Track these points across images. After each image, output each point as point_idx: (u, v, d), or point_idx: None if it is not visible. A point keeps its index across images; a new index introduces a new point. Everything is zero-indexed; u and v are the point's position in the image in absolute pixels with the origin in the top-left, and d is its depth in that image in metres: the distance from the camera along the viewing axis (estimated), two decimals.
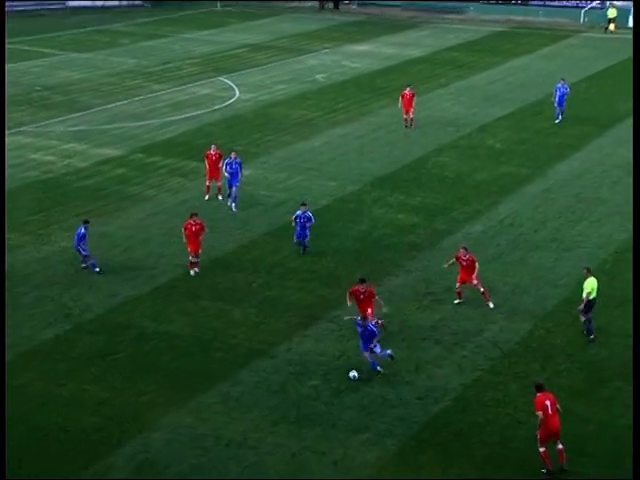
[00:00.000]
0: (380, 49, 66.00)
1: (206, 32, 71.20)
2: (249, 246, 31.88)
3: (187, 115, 47.69)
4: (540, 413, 19.95)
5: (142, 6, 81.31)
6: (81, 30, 70.31)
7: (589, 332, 25.64)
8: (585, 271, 25.95)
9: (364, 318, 24.01)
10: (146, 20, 75.38)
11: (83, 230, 29.39)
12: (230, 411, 22.39)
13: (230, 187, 35.20)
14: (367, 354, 23.84)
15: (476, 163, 40.84)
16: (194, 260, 29.55)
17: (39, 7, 76.86)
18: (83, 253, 29.44)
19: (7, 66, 57.37)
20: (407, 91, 45.64)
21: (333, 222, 34.09)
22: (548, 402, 20.08)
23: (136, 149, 42.06)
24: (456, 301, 27.78)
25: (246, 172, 36.94)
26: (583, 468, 20.38)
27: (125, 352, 24.98)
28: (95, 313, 26.98)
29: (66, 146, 42.25)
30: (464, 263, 27.50)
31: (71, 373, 23.74)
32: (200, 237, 29.50)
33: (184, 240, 29.61)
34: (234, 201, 35.06)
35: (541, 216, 34.75)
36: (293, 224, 30.92)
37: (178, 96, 51.62)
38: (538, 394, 20.21)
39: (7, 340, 25.20)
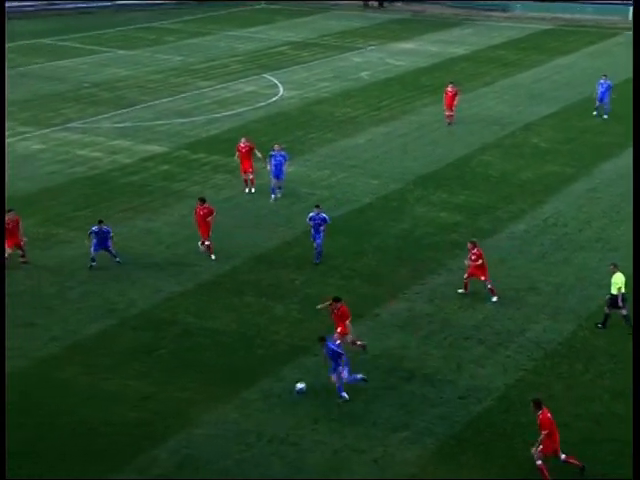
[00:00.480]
0: (424, 47, 65.78)
1: (251, 29, 71.42)
2: (292, 243, 31.95)
3: (232, 112, 47.89)
4: (546, 432, 19.69)
5: (188, 3, 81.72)
6: (128, 27, 70.85)
7: (604, 323, 26.07)
8: (611, 267, 26.35)
9: (340, 336, 23.89)
10: (192, 17, 75.77)
11: (104, 229, 29.41)
12: (272, 408, 22.47)
13: (276, 178, 35.73)
14: (333, 376, 22.69)
15: (520, 162, 40.57)
16: (207, 243, 30.33)
17: (89, 5, 77.56)
18: (113, 252, 29.73)
19: (58, 62, 58.09)
20: (449, 88, 45.56)
21: (375, 220, 34.06)
22: (550, 415, 19.89)
23: (181, 146, 42.32)
24: (460, 290, 27.98)
25: (289, 169, 37.05)
26: (624, 469, 20.18)
27: (169, 348, 25.15)
28: (139, 308, 27.21)
29: (112, 142, 42.63)
30: (472, 257, 27.56)
31: (115, 368, 23.97)
32: (208, 219, 30.38)
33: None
34: (274, 192, 35.61)
35: (586, 216, 34.46)
36: (309, 225, 30.29)
37: (223, 93, 51.85)
38: (541, 411, 19.91)
39: (53, 334, 25.53)
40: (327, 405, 22.57)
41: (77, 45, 63.81)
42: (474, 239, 28.56)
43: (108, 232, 29.63)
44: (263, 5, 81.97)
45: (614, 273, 26.07)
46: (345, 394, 22.71)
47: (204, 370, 24.00)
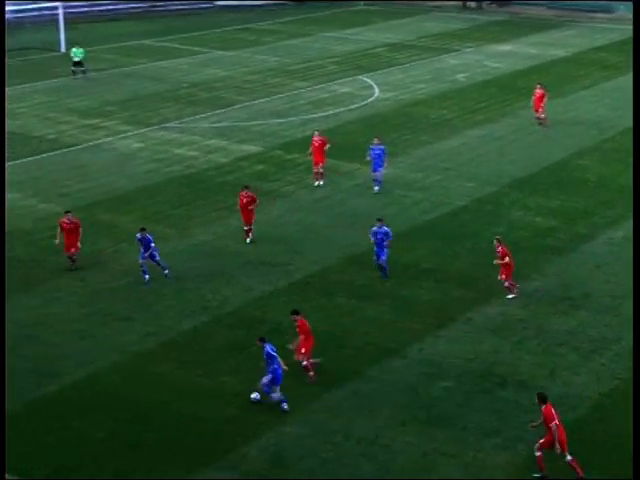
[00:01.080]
0: (523, 49, 64.94)
1: (348, 31, 71.54)
2: None
3: (327, 113, 48.06)
4: (554, 424, 19.67)
5: (286, 4, 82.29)
6: (228, 28, 71.68)
7: None
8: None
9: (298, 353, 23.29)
10: (290, 19, 76.26)
11: (146, 237, 28.76)
12: (361, 408, 22.47)
13: (373, 171, 36.37)
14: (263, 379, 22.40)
15: (620, 167, 39.73)
16: (246, 228, 31.18)
17: (190, 6, 78.79)
18: (156, 259, 28.98)
19: (159, 63, 59.13)
20: (537, 89, 45.07)
21: (470, 223, 33.78)
22: (553, 410, 19.89)
23: (276, 146, 42.64)
24: (510, 296, 27.68)
25: (383, 170, 37.00)
26: None
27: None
28: (232, 306, 27.50)
29: (209, 142, 43.19)
30: (497, 255, 27.74)
31: (209, 364, 24.27)
32: (250, 207, 31.29)
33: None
34: (377, 184, 36.39)
35: None
36: (371, 240, 29.24)
37: (319, 94, 52.07)
38: (545, 405, 19.93)
39: (148, 329, 25.98)
40: (416, 407, 22.48)
41: (178, 46, 64.84)
42: (499, 237, 28.48)
43: (149, 240, 28.79)
44: (361, 6, 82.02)
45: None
46: (285, 405, 22.24)
47: (295, 369, 24.09)
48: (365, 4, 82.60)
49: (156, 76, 55.91)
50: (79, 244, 29.44)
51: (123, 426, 21.64)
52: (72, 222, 29.47)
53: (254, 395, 22.59)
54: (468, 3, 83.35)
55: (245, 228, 31.71)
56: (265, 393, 22.41)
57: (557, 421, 19.76)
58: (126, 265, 29.99)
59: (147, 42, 65.62)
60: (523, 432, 21.42)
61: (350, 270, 29.77)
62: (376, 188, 36.45)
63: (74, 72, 54.27)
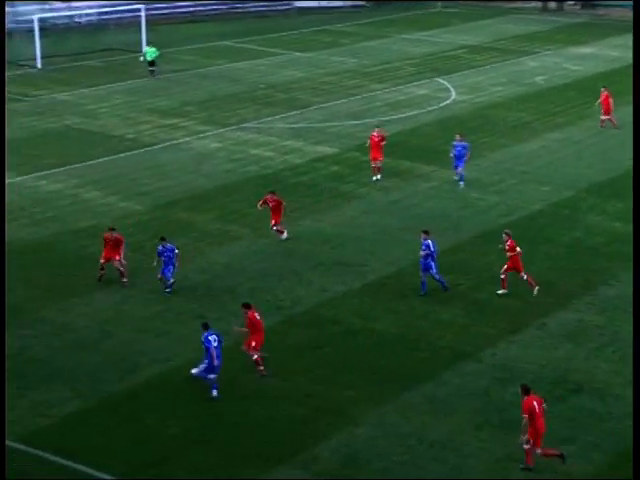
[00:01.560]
0: (604, 51, 63.90)
1: (426, 33, 71.21)
2: (459, 248, 31.66)
3: (403, 115, 47.89)
4: (526, 416, 19.98)
5: (365, 7, 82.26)
6: (305, 30, 71.91)
7: None
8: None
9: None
10: (368, 21, 76.18)
11: (167, 247, 28.09)
12: (434, 412, 22.33)
13: (455, 167, 36.88)
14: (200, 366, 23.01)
15: None
16: (275, 228, 31.66)
17: (269, 8, 79.29)
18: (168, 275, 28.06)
19: (237, 64, 59.57)
20: (603, 91, 44.49)
21: (546, 227, 33.34)
22: (535, 403, 20.12)
23: (351, 147, 42.62)
24: (499, 292, 27.69)
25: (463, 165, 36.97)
26: None
27: (333, 346, 25.38)
28: (305, 306, 27.55)
29: (285, 143, 43.37)
30: (506, 248, 27.95)
31: (281, 364, 24.34)
32: (280, 210, 31.67)
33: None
34: (461, 180, 37.08)
35: None
36: (421, 254, 28.31)
37: (395, 96, 51.91)
38: (525, 397, 20.25)
39: (224, 327, 26.12)
40: (489, 411, 22.26)
41: (256, 47, 65.25)
42: (508, 230, 28.61)
43: (172, 250, 28.11)
44: (439, 8, 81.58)
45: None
46: (214, 392, 22.70)
47: (367, 370, 24.08)
48: (443, 6, 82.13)
49: (234, 77, 56.33)
50: (122, 259, 28.51)
51: (196, 424, 21.83)
52: (114, 237, 28.78)
53: (194, 370, 23.05)
54: (549, 4, 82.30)
55: (276, 228, 31.83)
56: (203, 376, 22.86)
57: (530, 414, 19.93)
58: (202, 263, 30.27)
59: (226, 43, 66.18)
60: (599, 441, 21.07)
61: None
62: (461, 184, 36.93)
63: (151, 72, 54.98)
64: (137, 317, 26.74)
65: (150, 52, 55.30)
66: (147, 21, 62.18)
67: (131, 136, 43.89)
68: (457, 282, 29.00)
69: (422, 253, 27.95)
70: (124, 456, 20.63)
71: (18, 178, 37.55)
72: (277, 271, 29.88)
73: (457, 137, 37.27)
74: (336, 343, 25.56)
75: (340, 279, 29.31)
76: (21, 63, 56.22)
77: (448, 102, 50.52)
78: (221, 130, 45.13)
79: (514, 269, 28.13)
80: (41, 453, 20.51)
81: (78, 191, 36.34)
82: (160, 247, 28.11)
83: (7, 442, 20.47)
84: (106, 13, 67.30)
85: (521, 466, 20.29)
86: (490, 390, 23.14)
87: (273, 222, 31.95)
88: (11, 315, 26.22)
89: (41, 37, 56.20)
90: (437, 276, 28.11)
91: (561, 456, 20.28)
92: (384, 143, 38.09)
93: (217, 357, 22.74)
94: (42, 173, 38.11)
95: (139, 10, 62.30)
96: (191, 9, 76.18)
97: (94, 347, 24.91)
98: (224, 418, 22.06)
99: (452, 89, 53.24)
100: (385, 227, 33.17)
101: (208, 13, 76.58)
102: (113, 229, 29.17)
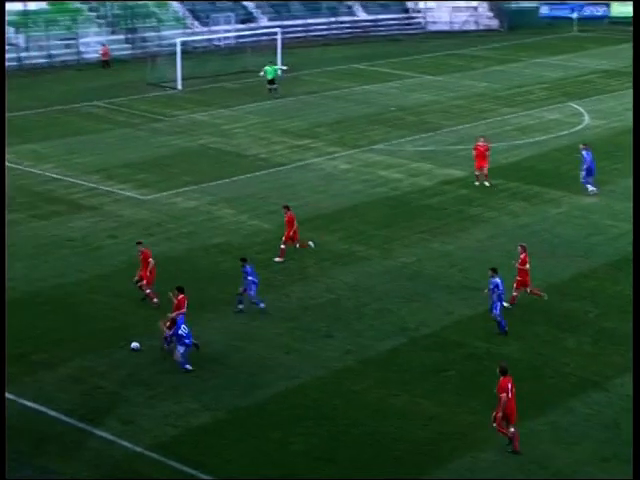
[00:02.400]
0: None
1: (559, 57, 70.06)
2: (588, 275, 30.94)
3: (533, 140, 47.19)
4: (504, 395, 20.95)
5: (498, 31, 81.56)
6: (437, 54, 71.72)
7: None
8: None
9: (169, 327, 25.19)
10: (500, 45, 75.49)
11: (247, 268, 27.80)
12: (559, 440, 21.81)
13: (588, 175, 38.46)
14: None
15: None
16: (299, 245, 32.26)
17: (401, 32, 79.50)
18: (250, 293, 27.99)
19: (368, 87, 59.86)
20: None
21: None
22: (510, 385, 21.06)
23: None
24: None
25: (589, 199, 36.04)
26: None
27: (457, 370, 25.12)
28: (430, 329, 27.36)
29: (413, 165, 43.27)
30: (519, 260, 28.15)
31: (405, 385, 24.23)
32: (292, 226, 31.84)
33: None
34: (590, 185, 38.57)
35: None
36: (485, 292, 27.42)
37: (525, 120, 51.21)
38: (502, 377, 21.21)
39: (349, 347, 26.20)
40: (618, 444, 21.58)
41: (387, 70, 65.44)
42: (524, 244, 28.79)
43: (249, 271, 27.92)
44: (574, 33, 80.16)
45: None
46: (188, 366, 24.41)
47: (491, 395, 23.63)
48: (578, 30, 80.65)
49: (365, 99, 56.61)
50: (144, 275, 28.27)
51: (320, 441, 21.91)
52: (141, 252, 28.74)
53: (134, 344, 25.25)
54: None
55: (298, 245, 32.23)
56: (182, 364, 24.50)
57: (509, 394, 20.91)
58: (329, 283, 30.43)
59: (358, 66, 66.60)
60: None
61: (550, 299, 28.98)
62: (591, 188, 38.38)
63: (270, 90, 55.85)
64: (266, 334, 27.04)
65: (270, 71, 56.24)
66: (283, 44, 63.17)
67: (263, 156, 44.56)
68: (585, 309, 28.32)
69: (488, 291, 26.98)
70: (248, 469, 20.85)
71: (156, 195, 38.59)
72: (403, 293, 29.79)
73: (580, 146, 39.14)
74: (461, 367, 25.29)
75: (466, 302, 29.00)
76: (163, 85, 57.86)
77: (581, 127, 49.52)
78: (351, 151, 45.36)
79: (522, 284, 28.18)
80: (169, 462, 20.92)
81: (211, 208, 37.09)
82: (247, 268, 27.92)
83: (137, 449, 21.03)
84: (244, 37, 68.69)
85: (509, 450, 21.17)
86: (620, 421, 22.45)
87: (284, 239, 31.79)
88: (146, 328, 26.90)
89: (182, 60, 57.73)
90: (499, 317, 26.91)
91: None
92: (489, 153, 39.81)
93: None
94: (178, 190, 39.06)
95: (275, 34, 63.37)
96: (325, 33, 77.04)
97: (223, 361, 25.31)
98: (348, 437, 22.06)
99: (585, 114, 52.18)
100: (512, 252, 32.63)
101: (341, 37, 77.29)
102: (139, 242, 29.36)
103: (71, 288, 29.41)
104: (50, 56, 62.74)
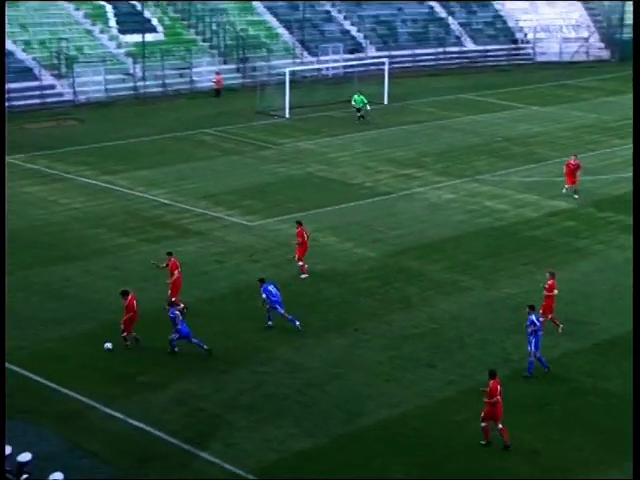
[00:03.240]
0: None
1: None
2: None
3: None
4: (498, 398, 22.03)
5: (609, 61, 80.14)
6: (545, 85, 70.82)
7: None
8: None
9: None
10: (611, 76, 74.11)
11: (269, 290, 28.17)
12: None
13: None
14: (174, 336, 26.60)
15: None
16: (301, 263, 32.78)
17: (509, 62, 78.90)
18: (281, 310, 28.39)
19: (475, 117, 59.47)
20: None
21: None
22: (500, 387, 22.22)
23: (587, 203, 41.41)
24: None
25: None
26: None
27: (561, 404, 24.57)
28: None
29: (519, 196, 42.72)
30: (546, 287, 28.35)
31: (507, 418, 23.72)
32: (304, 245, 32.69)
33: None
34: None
35: None
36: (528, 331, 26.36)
37: None
38: (492, 380, 22.20)
39: (450, 377, 25.89)
40: None
41: (494, 101, 64.92)
42: (552, 270, 28.99)
43: (269, 291, 28.09)
44: None
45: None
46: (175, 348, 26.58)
47: (595, 431, 23.14)
48: None
49: (471, 129, 56.25)
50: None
51: (420, 471, 21.68)
52: (169, 263, 29.86)
53: (107, 345, 26.69)
54: None
55: (301, 263, 32.71)
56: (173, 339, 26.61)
57: (499, 397, 21.95)
58: (431, 312, 30.20)
59: (465, 96, 66.25)
60: None
61: None
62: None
63: (359, 118, 56.14)
64: (367, 361, 26.94)
65: (358, 100, 56.59)
66: (390, 74, 63.35)
67: (369, 184, 44.62)
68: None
69: (528, 330, 26.10)
70: None
71: (262, 221, 39.01)
72: (506, 324, 29.33)
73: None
74: (565, 401, 24.73)
75: (571, 336, 28.39)
76: (271, 113, 58.62)
77: None
78: (456, 181, 45.06)
79: (546, 310, 27.91)
80: None
81: (316, 235, 37.23)
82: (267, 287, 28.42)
83: (239, 472, 21.15)
84: (352, 66, 69.13)
85: (482, 442, 22.22)
86: None
87: (298, 256, 32.83)
88: (248, 352, 27.17)
89: (290, 88, 58.43)
90: (537, 354, 26.09)
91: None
92: (580, 172, 41.46)
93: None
94: (284, 217, 39.39)
95: (383, 64, 63.60)
96: (432, 63, 76.94)
97: (324, 388, 25.31)
98: (448, 467, 21.77)
99: None
100: (619, 286, 31.90)
101: (449, 67, 77.07)
102: (170, 253, 30.51)
103: None
104: (164, 85, 64.25)
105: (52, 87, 61.04)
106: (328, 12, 77.44)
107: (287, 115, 58.02)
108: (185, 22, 70.53)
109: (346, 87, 64.31)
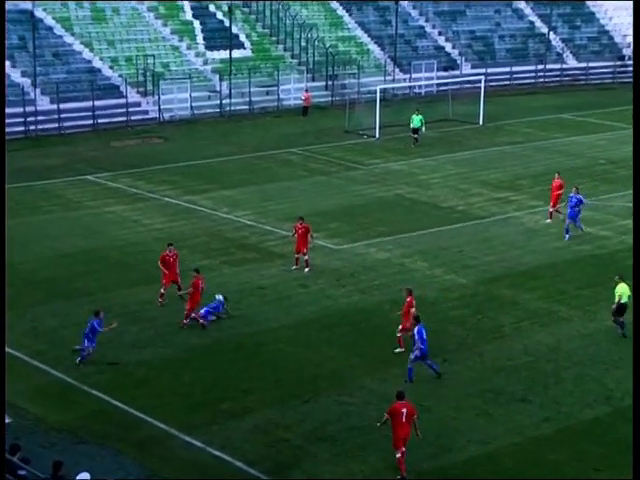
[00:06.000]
0: None
1: None
2: None
3: None
4: (387, 415, 22.36)
5: None
6: None
7: (622, 328, 29.74)
8: (617, 278, 30.30)
9: None
10: None
11: None
12: None
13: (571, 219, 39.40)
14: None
15: None
16: (297, 256, 35.26)
17: (613, 80, 77.86)
18: None
19: (575, 138, 58.75)
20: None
21: None
22: (405, 410, 22.23)
23: None
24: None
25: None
26: None
27: None
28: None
29: (623, 222, 41.90)
30: None
31: (608, 460, 23.30)
32: (306, 238, 35.30)
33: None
34: (567, 233, 39.92)
35: None
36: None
37: None
38: (396, 401, 22.43)
39: (546, 413, 25.43)
40: None
41: (596, 121, 64.02)
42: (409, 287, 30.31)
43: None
44: None
45: (618, 284, 30.05)
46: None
47: None
48: None
49: (571, 151, 55.52)
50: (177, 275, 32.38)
51: None
52: (173, 254, 32.63)
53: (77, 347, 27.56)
54: None
55: (296, 256, 35.10)
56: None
57: (392, 418, 22.13)
58: (526, 343, 29.79)
59: (564, 116, 65.49)
60: None
61: None
62: (567, 236, 38.98)
63: (414, 141, 55.88)
64: (456, 394, 26.69)
65: (416, 120, 56.16)
66: (486, 92, 63.01)
67: (461, 208, 44.35)
68: None
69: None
70: None
71: (348, 244, 39.07)
72: (608, 358, 28.78)
73: (573, 190, 39.46)
74: None
75: None
76: (360, 132, 58.80)
77: None
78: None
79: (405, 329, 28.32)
80: None
81: (404, 261, 37.16)
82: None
83: None
84: (445, 84, 68.97)
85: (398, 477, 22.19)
86: None
87: (297, 249, 35.17)
88: (334, 381, 27.16)
89: (381, 107, 58.54)
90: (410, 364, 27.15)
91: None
92: (562, 191, 40.91)
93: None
94: (371, 241, 39.39)
95: (479, 82, 63.31)
96: (531, 81, 76.32)
97: None
98: None
99: None
100: None
101: (549, 85, 76.33)
102: (171, 244, 33.09)
103: (260, 337, 30.07)
104: (251, 103, 65.06)
105: (137, 104, 62.39)
106: (422, 27, 77.51)
107: (377, 135, 58.13)
108: (273, 38, 71.41)
109: (439, 106, 64.16)
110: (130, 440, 24.08)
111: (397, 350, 28.75)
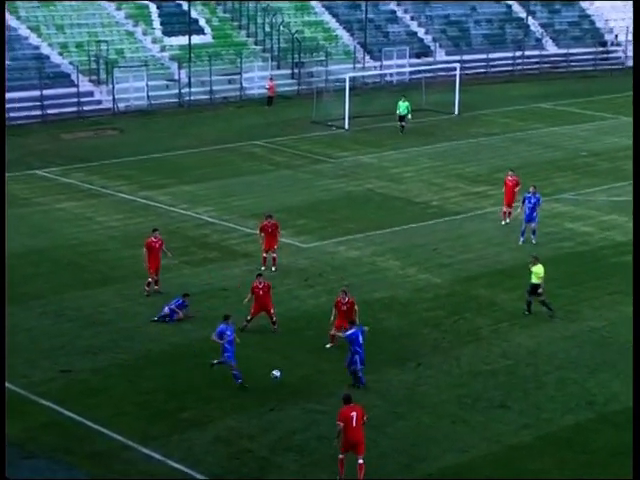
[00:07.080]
0: None
1: None
2: None
3: None
4: (340, 424, 22.24)
5: None
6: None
7: (528, 309, 31.90)
8: (533, 259, 32.30)
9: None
10: None
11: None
12: None
13: (528, 221, 38.74)
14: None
15: None
16: (265, 255, 35.52)
17: (595, 68, 78.40)
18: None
19: (555, 128, 59.18)
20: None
21: None
22: (354, 414, 22.30)
23: None
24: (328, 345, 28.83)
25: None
26: None
27: None
28: (622, 404, 26.38)
29: (606, 217, 42.32)
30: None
31: (591, 468, 23.49)
32: (276, 235, 35.49)
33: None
34: (522, 235, 39.87)
35: None
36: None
37: None
38: (344, 406, 22.48)
39: (525, 420, 25.61)
40: None
41: (577, 110, 64.54)
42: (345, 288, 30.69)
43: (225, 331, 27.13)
44: None
45: (535, 265, 31.91)
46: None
47: None
48: None
49: (551, 143, 55.94)
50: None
51: None
52: (158, 239, 33.62)
53: (276, 374, 26.54)
54: None
55: (264, 255, 35.36)
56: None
57: (345, 424, 22.03)
58: (505, 346, 29.98)
59: (543, 105, 65.96)
60: None
61: None
62: (521, 239, 38.62)
63: (401, 129, 56.55)
64: (431, 400, 26.82)
65: (403, 107, 56.62)
66: (461, 81, 63.30)
67: (435, 203, 44.54)
68: None
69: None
70: None
71: (316, 243, 39.12)
72: (590, 361, 29.02)
73: (530, 189, 38.73)
74: None
75: None
76: (329, 123, 58.86)
77: None
78: None
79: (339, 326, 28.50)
80: None
81: (376, 259, 37.27)
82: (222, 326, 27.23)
83: None
84: (418, 72, 69.19)
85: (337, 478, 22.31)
86: None
87: (267, 247, 35.25)
88: (302, 388, 27.19)
89: (350, 96, 58.62)
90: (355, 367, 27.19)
91: None
92: (518, 188, 40.60)
93: None
94: (341, 239, 39.47)
95: (454, 69, 63.59)
96: (509, 68, 76.76)
97: (383, 429, 25.20)
98: None
99: None
100: None
101: (527, 73, 76.82)
102: (155, 230, 34.12)
103: None
104: (212, 92, 64.95)
105: (90, 94, 62.16)
106: (393, 12, 77.79)
107: (346, 126, 58.23)
108: (235, 23, 71.38)
109: (412, 95, 64.32)
110: (84, 453, 23.96)
111: (328, 345, 29.47)
